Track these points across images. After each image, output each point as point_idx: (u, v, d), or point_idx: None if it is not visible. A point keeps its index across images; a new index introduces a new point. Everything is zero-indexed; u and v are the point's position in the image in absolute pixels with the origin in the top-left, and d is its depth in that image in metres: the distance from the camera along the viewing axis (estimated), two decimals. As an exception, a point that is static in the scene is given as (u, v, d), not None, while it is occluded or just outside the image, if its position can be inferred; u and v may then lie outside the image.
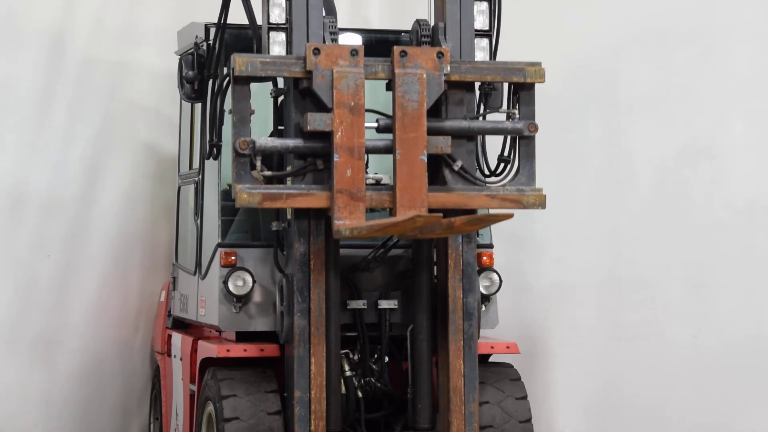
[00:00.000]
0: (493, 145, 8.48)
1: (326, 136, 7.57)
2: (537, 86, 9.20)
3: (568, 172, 9.82)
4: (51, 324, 9.62)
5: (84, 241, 9.86)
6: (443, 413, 7.94)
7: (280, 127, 8.25)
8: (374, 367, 8.33)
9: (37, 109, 9.59)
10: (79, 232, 9.84)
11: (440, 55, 7.75)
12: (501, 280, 8.46)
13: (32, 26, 9.55)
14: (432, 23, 8.29)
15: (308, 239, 7.73)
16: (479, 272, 8.23)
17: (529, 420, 8.45)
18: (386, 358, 8.38)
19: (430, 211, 7.55)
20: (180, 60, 8.97)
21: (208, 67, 8.68)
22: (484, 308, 8.42)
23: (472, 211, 7.92)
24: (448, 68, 7.78)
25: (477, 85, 8.38)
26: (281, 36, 7.95)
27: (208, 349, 8.34)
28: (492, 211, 8.07)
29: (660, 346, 9.81)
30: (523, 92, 8.06)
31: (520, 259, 9.18)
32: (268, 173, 7.70)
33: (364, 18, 10.23)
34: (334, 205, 7.48)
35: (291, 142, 7.71)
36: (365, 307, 8.13)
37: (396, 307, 8.29)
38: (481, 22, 8.27)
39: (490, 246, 8.61)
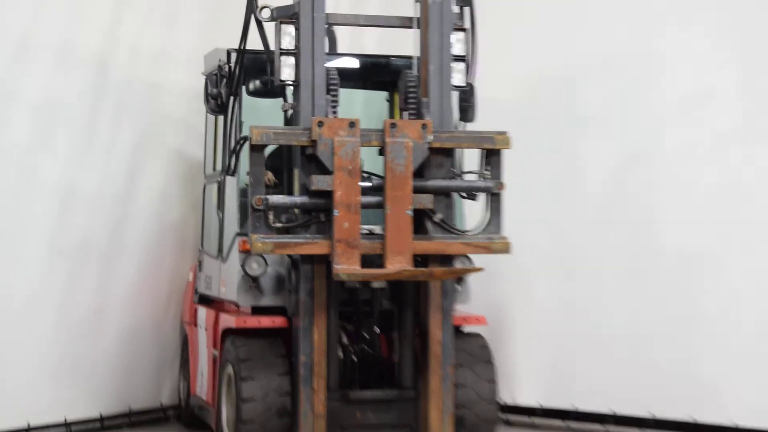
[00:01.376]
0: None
1: (328, 195, 7.62)
2: (501, 102, 9.73)
3: (528, 174, 9.70)
4: (99, 300, 9.54)
5: (125, 231, 9.84)
6: (424, 374, 7.95)
7: None
8: (367, 336, 8.31)
9: (86, 121, 9.50)
10: (121, 224, 9.78)
11: (424, 126, 7.81)
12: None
13: (83, 52, 9.45)
14: (417, 53, 8.19)
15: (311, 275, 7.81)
16: (454, 258, 8.13)
17: (494, 381, 8.45)
18: (377, 330, 8.42)
19: (415, 255, 7.71)
20: (206, 80, 8.99)
21: (230, 86, 8.64)
22: (459, 287, 8.35)
23: (450, 257, 8.07)
24: (431, 137, 7.81)
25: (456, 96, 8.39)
26: (291, 60, 7.90)
27: (228, 321, 8.43)
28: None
29: (602, 320, 9.82)
30: (492, 157, 8.06)
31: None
32: (279, 224, 7.75)
33: (360, 44, 10.15)
34: (334, 252, 7.54)
35: (298, 199, 7.79)
36: (360, 286, 8.01)
37: (385, 287, 8.17)
38: (458, 48, 8.18)
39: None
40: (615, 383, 9.86)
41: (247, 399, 7.83)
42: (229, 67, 8.72)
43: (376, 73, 9.37)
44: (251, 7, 8.14)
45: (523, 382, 10.18)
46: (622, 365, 9.84)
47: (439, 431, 7.97)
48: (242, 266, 8.10)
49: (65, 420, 9.31)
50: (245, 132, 8.58)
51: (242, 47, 8.36)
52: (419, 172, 7.81)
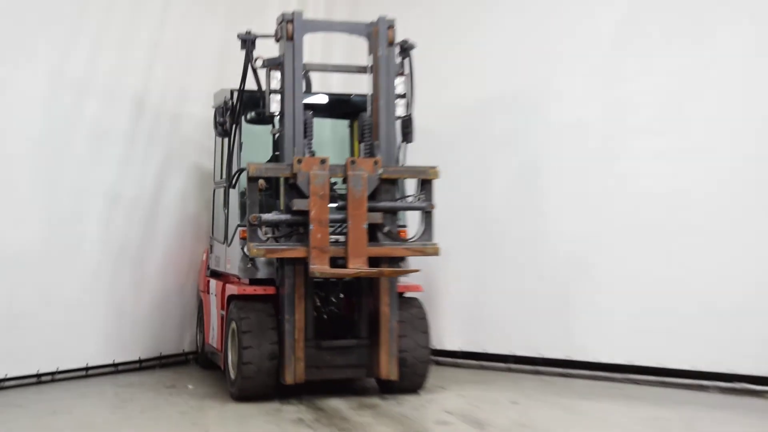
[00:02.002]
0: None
1: (305, 213, 7.92)
2: (434, 127, 9.66)
3: (453, 179, 9.40)
4: (138, 274, 9.81)
5: (156, 224, 10.03)
6: (376, 329, 8.25)
7: (276, 153, 8.46)
8: (334, 300, 8.42)
9: (127, 143, 9.68)
10: (153, 219, 9.97)
11: (376, 162, 8.16)
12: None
13: (125, 92, 9.67)
14: (371, 92, 8.50)
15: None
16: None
17: (427, 332, 8.63)
18: (342, 296, 8.54)
19: (369, 257, 8.01)
20: (215, 111, 9.06)
21: (232, 116, 8.80)
22: (401, 264, 8.47)
23: (396, 258, 8.31)
24: (381, 171, 8.17)
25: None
26: (278, 97, 8.22)
27: (232, 289, 8.56)
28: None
29: (504, 286, 10.01)
30: (426, 184, 8.34)
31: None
32: (269, 236, 8.04)
33: (328, 85, 10.24)
34: (310, 255, 7.86)
35: (283, 217, 8.02)
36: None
37: None
38: (400, 88, 8.52)
39: (404, 225, 8.73)
40: (513, 332, 9.95)
41: (247, 347, 8.02)
42: (232, 103, 8.84)
43: (340, 106, 9.61)
44: (248, 58, 8.41)
45: (448, 333, 10.19)
46: (518, 319, 9.91)
47: (387, 370, 8.22)
48: (242, 249, 8.30)
49: (114, 361, 9.52)
50: (244, 149, 8.91)
51: (242, 87, 8.56)
52: (372, 196, 8.13)
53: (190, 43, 10.23)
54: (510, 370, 9.87)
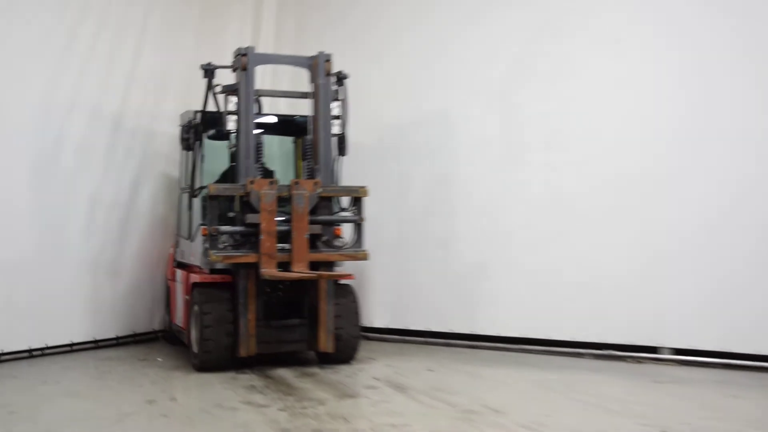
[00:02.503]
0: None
1: (256, 226, 7.90)
2: (365, 143, 9.64)
3: (380, 186, 9.53)
4: (114, 265, 9.66)
5: (131, 223, 9.88)
6: (316, 310, 8.25)
7: (233, 164, 8.37)
8: (281, 287, 8.31)
9: (106, 155, 9.55)
10: (128, 219, 9.82)
11: (316, 183, 8.15)
12: (346, 240, 8.51)
13: (106, 112, 9.55)
14: (312, 114, 8.48)
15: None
16: (335, 238, 8.40)
17: (358, 312, 8.65)
18: (289, 284, 8.30)
19: (310, 262, 8.01)
20: (181, 129, 9.04)
21: (196, 133, 8.75)
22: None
23: (332, 262, 8.38)
24: (320, 190, 8.17)
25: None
26: (234, 117, 8.22)
27: (195, 278, 8.50)
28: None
29: (421, 275, 10.03)
30: (357, 201, 8.39)
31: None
32: (226, 244, 8.00)
33: (277, 107, 10.12)
34: (260, 261, 7.85)
35: (237, 228, 8.01)
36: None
37: None
38: (335, 111, 8.52)
39: (339, 225, 8.64)
40: (429, 312, 9.97)
41: (207, 325, 8.01)
42: (196, 122, 8.80)
43: (286, 126, 9.54)
44: (209, 85, 8.37)
45: (376, 313, 10.22)
46: (433, 301, 9.94)
47: (325, 344, 8.24)
48: (203, 245, 8.17)
49: (94, 338, 9.40)
50: (206, 160, 8.87)
51: (204, 109, 8.50)
52: (313, 211, 8.11)
53: (161, 71, 10.12)
54: (426, 343, 9.89)
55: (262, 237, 7.89)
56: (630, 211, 8.82)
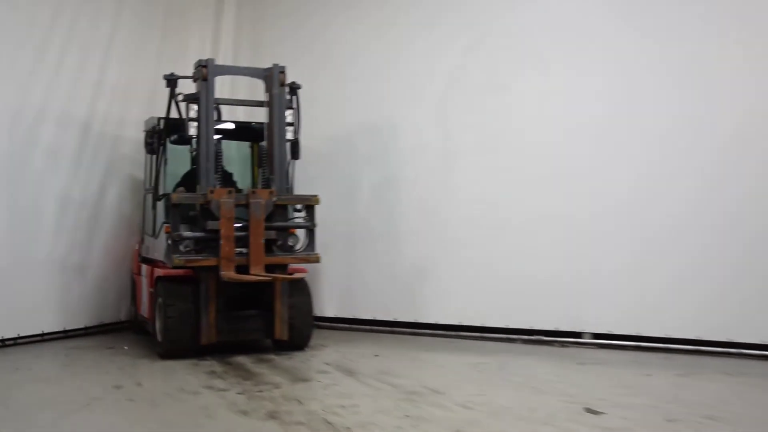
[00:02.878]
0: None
1: (216, 231, 7.85)
2: (317, 148, 9.63)
3: (331, 187, 9.69)
4: (83, 260, 9.54)
5: (99, 221, 9.75)
6: (273, 301, 8.19)
7: (194, 167, 8.33)
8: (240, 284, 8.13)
9: (75, 158, 9.43)
10: (96, 217, 9.70)
11: (271, 193, 8.12)
12: (298, 239, 8.51)
13: (75, 118, 9.41)
14: (267, 121, 8.42)
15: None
16: (289, 236, 8.38)
17: (310, 303, 8.68)
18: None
19: (266, 265, 8.00)
20: (145, 134, 8.99)
21: (159, 138, 8.69)
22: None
23: (286, 264, 8.30)
24: (275, 198, 8.14)
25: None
26: (195, 124, 8.13)
27: (159, 272, 8.39)
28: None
29: (368, 269, 10.02)
30: (310, 209, 8.36)
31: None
32: (189, 248, 7.92)
33: (235, 115, 10.03)
34: (220, 264, 7.81)
35: (199, 234, 7.94)
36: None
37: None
38: (289, 119, 8.47)
39: (292, 223, 8.56)
40: (376, 302, 9.96)
41: (170, 316, 7.96)
42: (159, 127, 8.75)
43: (244, 132, 9.49)
44: (172, 93, 8.30)
45: (327, 303, 10.19)
46: (379, 292, 9.92)
47: (280, 332, 8.22)
48: (166, 241, 8.13)
49: (64, 329, 9.28)
50: (168, 163, 8.80)
51: (167, 116, 8.41)
52: (268, 218, 8.07)
53: (126, 81, 9.99)
54: (373, 331, 9.91)
55: (222, 242, 7.84)
56: (553, 210, 8.89)
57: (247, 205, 8.03)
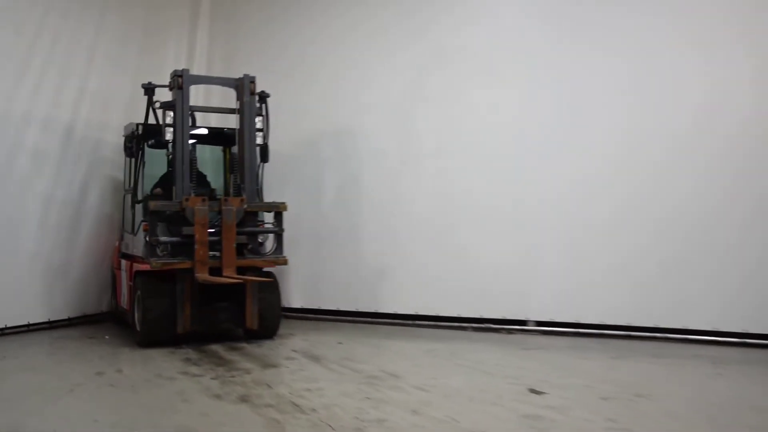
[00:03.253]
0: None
1: (191, 237, 7.82)
2: (285, 152, 9.49)
3: (297, 187, 9.82)
4: (67, 256, 9.43)
5: (81, 220, 9.63)
6: (245, 294, 8.16)
7: (170, 169, 8.27)
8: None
9: (59, 160, 9.32)
10: (78, 216, 9.58)
11: (242, 200, 8.10)
12: (267, 235, 8.51)
13: (59, 123, 9.31)
14: (238, 127, 8.39)
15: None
16: (259, 234, 8.39)
17: (279, 295, 8.60)
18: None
19: (238, 267, 7.99)
20: (125, 138, 8.89)
21: (137, 142, 8.62)
22: (262, 246, 8.52)
23: (257, 267, 8.29)
24: (246, 206, 8.13)
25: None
26: (171, 129, 8.06)
27: (137, 267, 8.37)
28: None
29: (332, 263, 9.98)
30: (278, 215, 8.37)
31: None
32: (165, 252, 7.92)
33: (208, 121, 9.87)
34: (194, 267, 7.77)
35: (175, 239, 7.92)
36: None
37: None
38: (259, 125, 8.42)
39: (262, 221, 8.63)
40: (332, 294, 9.98)
41: (148, 308, 7.94)
42: (138, 132, 8.70)
43: (216, 137, 9.45)
44: (150, 101, 8.26)
45: (294, 295, 10.11)
46: (336, 285, 9.95)
47: (251, 322, 8.21)
48: (144, 238, 8.07)
49: (49, 320, 9.17)
50: (146, 166, 8.75)
51: (145, 122, 8.39)
52: (240, 224, 8.06)
53: (107, 89, 9.86)
54: (337, 320, 9.87)
55: (196, 246, 7.80)
56: (503, 209, 8.94)
57: (219, 212, 8.00)
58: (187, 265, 7.82)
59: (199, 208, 7.88)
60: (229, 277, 7.79)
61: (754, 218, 7.85)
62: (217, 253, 7.95)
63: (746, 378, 6.64)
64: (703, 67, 8.05)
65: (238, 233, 8.07)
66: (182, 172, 8.07)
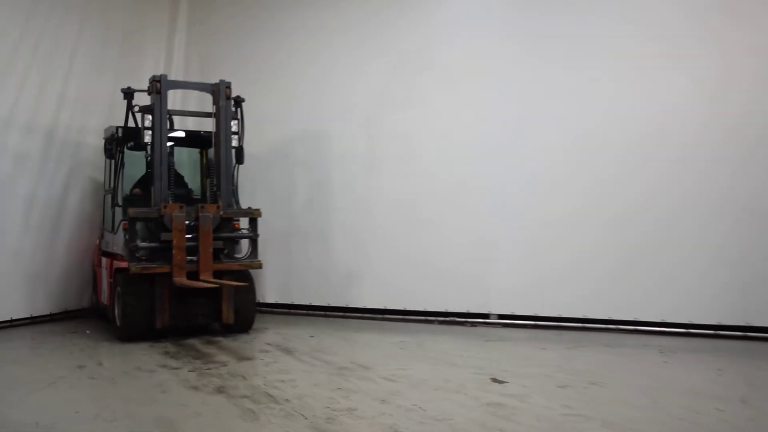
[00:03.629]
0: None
1: (169, 242, 7.75)
2: (259, 154, 9.41)
3: (268, 188, 9.77)
4: (49, 253, 9.32)
5: (63, 219, 9.52)
6: (222, 291, 8.08)
7: (149, 170, 8.21)
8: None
9: (41, 162, 9.20)
10: (60, 215, 9.47)
11: (218, 207, 8.06)
12: (242, 235, 8.49)
13: (40, 126, 9.20)
14: (214, 130, 8.31)
15: None
16: (233, 231, 8.35)
17: (254, 292, 8.57)
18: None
19: (214, 271, 7.94)
20: (105, 141, 8.83)
21: (116, 144, 8.55)
22: (237, 245, 8.49)
23: (233, 270, 8.20)
24: (222, 212, 8.07)
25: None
26: (149, 132, 8.02)
27: (117, 264, 8.27)
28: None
29: (301, 261, 9.95)
30: (252, 221, 8.34)
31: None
32: (143, 258, 7.86)
33: (185, 124, 9.86)
34: (172, 271, 7.74)
35: (154, 245, 7.85)
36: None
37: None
38: (234, 128, 8.39)
39: (238, 219, 8.56)
40: (311, 290, 9.89)
41: (127, 304, 7.89)
42: (117, 135, 8.63)
43: (193, 139, 9.39)
44: (129, 105, 8.22)
45: (268, 290, 10.04)
46: (314, 281, 9.83)
47: (227, 317, 8.20)
48: (124, 236, 8.03)
49: (31, 315, 9.09)
50: (126, 167, 8.65)
51: (125, 125, 8.34)
52: (216, 230, 8.01)
53: (87, 93, 9.74)
54: (309, 315, 9.85)
55: (174, 251, 7.77)
56: (463, 208, 9.01)
57: (197, 219, 7.96)
58: (165, 269, 7.78)
59: (176, 214, 7.84)
60: (205, 281, 7.75)
61: (707, 220, 8.03)
62: (194, 258, 7.91)
63: (688, 365, 6.81)
64: (642, 78, 8.28)
65: (215, 239, 8.02)
66: (160, 173, 8.03)
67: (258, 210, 8.37)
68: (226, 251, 8.24)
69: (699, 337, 7.95)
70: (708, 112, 8.02)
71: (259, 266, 8.34)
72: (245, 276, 8.49)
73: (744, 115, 7.85)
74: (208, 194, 8.74)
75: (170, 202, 7.99)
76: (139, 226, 7.96)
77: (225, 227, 8.24)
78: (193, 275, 7.83)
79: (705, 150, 8.02)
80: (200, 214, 7.97)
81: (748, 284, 7.84)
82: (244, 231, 8.42)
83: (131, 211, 7.77)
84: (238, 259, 8.31)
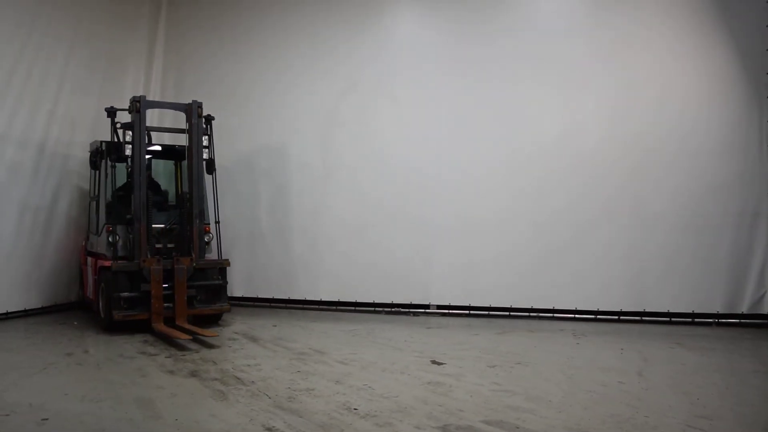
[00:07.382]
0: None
1: (148, 292, 7.59)
2: (227, 165, 9.24)
3: (237, 195, 9.65)
4: (40, 253, 9.09)
5: (53, 223, 9.28)
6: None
7: (129, 180, 8.07)
8: (168, 285, 7.82)
9: (33, 172, 8.97)
10: (50, 219, 9.23)
11: (192, 260, 7.85)
12: (213, 235, 8.40)
13: (32, 140, 8.96)
14: (188, 144, 8.15)
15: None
16: (206, 233, 8.25)
17: (225, 282, 8.29)
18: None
19: (188, 315, 7.78)
20: (90, 154, 8.67)
21: (100, 157, 8.41)
22: (208, 246, 8.37)
23: (207, 315, 8.04)
24: (195, 264, 7.87)
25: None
26: (130, 146, 7.86)
27: (101, 263, 8.06)
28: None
29: (267, 257, 9.79)
30: (221, 270, 8.12)
31: (224, 227, 8.88)
32: (125, 306, 7.60)
33: (161, 139, 9.46)
34: (150, 318, 7.57)
35: (134, 294, 7.61)
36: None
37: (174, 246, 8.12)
38: (205, 143, 8.27)
39: (208, 223, 8.47)
40: (273, 285, 9.79)
41: (111, 299, 7.68)
42: (101, 149, 8.49)
43: (169, 152, 9.20)
44: (113, 122, 8.08)
45: (235, 286, 9.76)
46: (275, 277, 9.75)
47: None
48: (107, 238, 7.96)
49: (24, 308, 8.86)
50: (110, 174, 8.34)
51: (110, 140, 8.18)
52: (190, 279, 7.81)
53: (75, 112, 9.53)
54: (272, 307, 9.78)
55: (153, 300, 7.62)
56: (407, 212, 9.07)
57: (172, 270, 7.77)
58: (144, 316, 7.61)
59: (155, 267, 7.68)
60: (181, 329, 7.47)
61: (613, 224, 8.31)
62: (171, 305, 7.73)
63: (596, 346, 6.99)
64: (560, 98, 8.50)
65: (189, 287, 7.84)
66: (140, 181, 7.88)
67: (226, 260, 8.24)
68: (199, 298, 8.04)
69: (605, 322, 8.21)
70: (607, 129, 8.29)
71: (228, 309, 8.15)
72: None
73: (638, 132, 8.19)
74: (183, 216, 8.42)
75: (148, 255, 7.77)
76: (119, 216, 7.82)
77: (198, 276, 7.99)
78: (170, 321, 7.67)
79: (605, 163, 8.30)
80: (176, 266, 7.79)
81: (641, 277, 8.14)
82: (216, 281, 8.12)
83: (114, 265, 7.60)
84: (208, 305, 8.06)
